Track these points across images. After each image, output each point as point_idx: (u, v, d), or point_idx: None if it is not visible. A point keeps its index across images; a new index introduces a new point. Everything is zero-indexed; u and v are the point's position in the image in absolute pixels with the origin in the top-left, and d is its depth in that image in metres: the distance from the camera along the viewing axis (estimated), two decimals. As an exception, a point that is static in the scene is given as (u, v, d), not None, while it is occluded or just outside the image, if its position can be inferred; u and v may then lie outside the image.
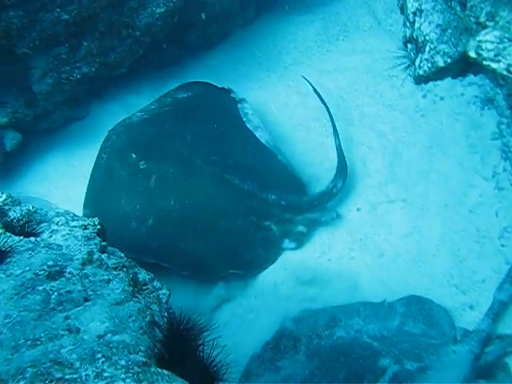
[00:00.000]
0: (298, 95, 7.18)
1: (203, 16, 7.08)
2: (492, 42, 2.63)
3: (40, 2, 5.69)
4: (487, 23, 2.71)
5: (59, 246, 3.16)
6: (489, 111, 6.18)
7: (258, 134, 6.23)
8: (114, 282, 3.00)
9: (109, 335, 2.50)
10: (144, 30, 6.48)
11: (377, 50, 7.35)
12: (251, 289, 5.58)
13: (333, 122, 6.31)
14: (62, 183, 6.57)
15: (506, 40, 2.56)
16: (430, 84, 6.72)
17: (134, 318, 2.76)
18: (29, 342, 2.34)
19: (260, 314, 5.34)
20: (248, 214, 5.76)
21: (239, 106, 6.47)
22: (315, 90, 6.57)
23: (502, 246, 5.35)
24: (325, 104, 6.50)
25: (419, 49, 3.52)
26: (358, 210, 6.04)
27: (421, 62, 3.53)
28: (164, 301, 3.42)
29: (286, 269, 5.73)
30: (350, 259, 5.69)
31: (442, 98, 6.63)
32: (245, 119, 6.35)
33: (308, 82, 6.79)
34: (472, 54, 2.74)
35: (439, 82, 6.69)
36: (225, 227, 5.68)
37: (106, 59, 6.52)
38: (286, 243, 5.80)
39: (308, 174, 6.28)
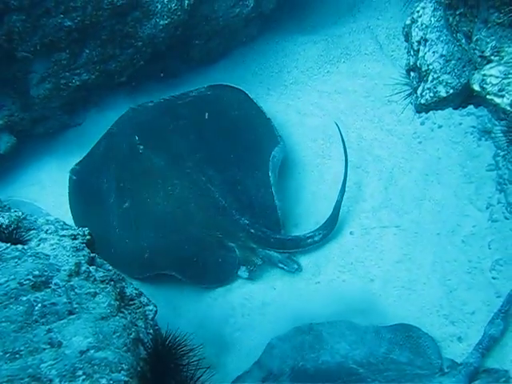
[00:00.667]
0: (296, 114, 7.18)
1: (207, 30, 7.07)
2: (497, 77, 2.62)
3: (44, 7, 5.69)
4: (492, 57, 2.71)
5: (47, 255, 3.10)
6: (485, 142, 6.20)
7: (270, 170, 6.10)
8: (101, 296, 2.94)
9: (91, 351, 2.44)
10: (146, 41, 6.46)
11: (377, 75, 7.37)
12: (239, 309, 5.56)
13: (345, 176, 6.07)
14: (54, 189, 6.53)
15: (510, 76, 2.56)
16: (429, 112, 6.71)
17: (118, 334, 2.70)
18: (7, 355, 2.27)
19: (246, 333, 5.30)
20: (216, 229, 5.75)
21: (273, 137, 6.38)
22: (342, 140, 6.34)
23: (493, 278, 5.32)
24: (346, 156, 6.20)
25: (422, 77, 3.51)
26: (350, 233, 6.02)
27: (423, 90, 3.52)
28: (150, 317, 3.37)
29: (275, 288, 5.72)
30: (340, 282, 5.66)
31: (440, 126, 6.63)
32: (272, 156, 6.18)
33: (339, 129, 6.50)
34: (476, 87, 2.73)
35: (440, 110, 6.71)
36: (190, 233, 5.72)
37: (106, 67, 6.51)
38: (242, 271, 5.74)
39: (299, 200, 6.29)
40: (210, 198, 5.81)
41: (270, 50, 8.09)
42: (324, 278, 5.72)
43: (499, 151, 5.83)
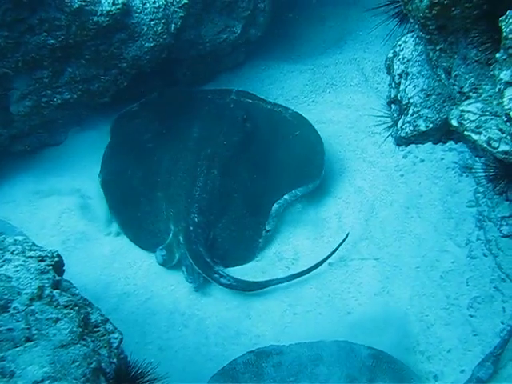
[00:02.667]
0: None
1: (193, 54, 7.07)
2: (474, 114, 2.60)
3: (27, 24, 5.62)
4: (470, 94, 2.69)
5: (9, 277, 2.99)
6: (466, 178, 6.18)
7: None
8: (63, 322, 2.83)
9: (46, 382, 2.33)
10: (131, 62, 6.42)
11: (362, 106, 7.37)
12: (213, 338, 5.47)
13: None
14: (28, 208, 6.40)
15: (487, 113, 2.53)
16: (412, 145, 6.73)
17: (78, 363, 2.59)
18: (-46, 385, 2.16)
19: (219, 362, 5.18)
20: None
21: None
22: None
23: (471, 316, 5.27)
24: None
25: (402, 111, 3.49)
26: (329, 264, 5.94)
27: (403, 124, 3.50)
28: (115, 345, 3.25)
29: (250, 318, 5.62)
30: (317, 314, 5.58)
31: (422, 160, 6.60)
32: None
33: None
34: (454, 123, 2.71)
35: (420, 144, 6.73)
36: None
37: (89, 87, 6.44)
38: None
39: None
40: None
41: (255, 77, 8.11)
42: (301, 309, 5.62)
43: (479, 188, 5.82)
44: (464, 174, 6.30)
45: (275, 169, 6.38)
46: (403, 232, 6.06)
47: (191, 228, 5.94)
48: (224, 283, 5.71)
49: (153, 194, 6.31)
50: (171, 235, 6.00)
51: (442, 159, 6.55)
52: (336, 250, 5.84)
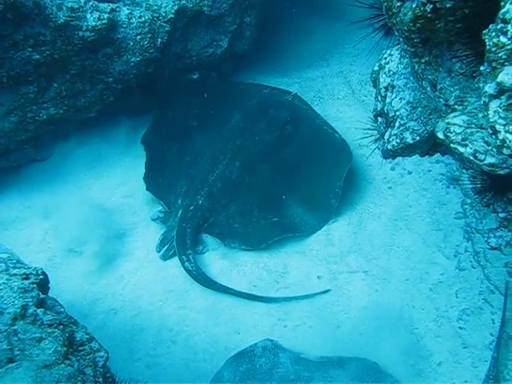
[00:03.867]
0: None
1: (179, 68, 7.06)
2: (460, 126, 2.60)
3: (12, 40, 5.59)
4: (456, 107, 2.69)
5: (-9, 297, 2.93)
6: (454, 190, 6.19)
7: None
8: (47, 341, 2.78)
9: (28, 404, 2.27)
10: (117, 77, 6.41)
11: (349, 119, 7.39)
12: (201, 354, 5.38)
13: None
14: (14, 225, 6.33)
15: (473, 126, 2.53)
16: (399, 157, 6.75)
17: (61, 384, 2.53)
18: None
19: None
20: None
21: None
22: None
23: (460, 328, 5.24)
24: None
25: (389, 123, 3.49)
26: (318, 277, 5.91)
27: (390, 136, 3.50)
28: (100, 364, 3.18)
29: (239, 333, 5.56)
30: (307, 328, 5.53)
31: (409, 173, 6.61)
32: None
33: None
34: (440, 136, 2.70)
35: (407, 157, 6.74)
36: None
37: (75, 102, 6.42)
38: None
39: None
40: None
41: (243, 91, 8.09)
42: (290, 323, 5.58)
43: (467, 199, 5.83)
44: (451, 186, 6.31)
45: (297, 178, 6.37)
46: (392, 244, 6.05)
47: (191, 208, 6.23)
48: (186, 267, 5.88)
49: (178, 169, 6.62)
50: (175, 208, 6.34)
51: (430, 171, 6.57)
52: (311, 295, 5.73)
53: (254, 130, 6.62)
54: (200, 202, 6.25)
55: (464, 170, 4.64)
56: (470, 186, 3.43)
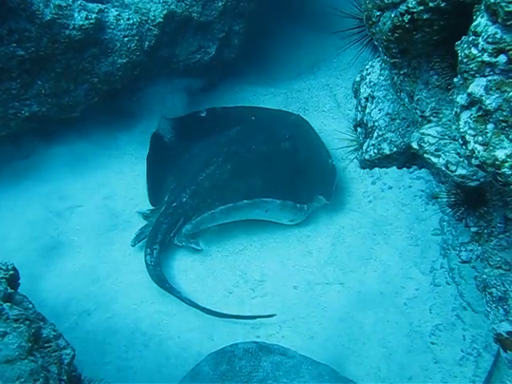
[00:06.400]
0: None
1: (166, 73, 7.06)
2: (434, 137, 2.63)
3: (-5, 34, 5.56)
4: (431, 118, 2.72)
5: (-43, 289, 2.89)
6: (433, 207, 6.24)
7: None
8: (11, 336, 2.74)
9: (-14, 398, 2.23)
10: (102, 78, 6.38)
11: (333, 132, 7.40)
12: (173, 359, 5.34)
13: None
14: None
15: (446, 137, 2.56)
16: (381, 172, 6.79)
17: (23, 379, 2.50)
18: None
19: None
20: None
21: None
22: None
23: (432, 343, 5.27)
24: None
25: (368, 134, 3.51)
26: (294, 287, 5.90)
27: (368, 146, 3.52)
28: (66, 362, 3.14)
29: (213, 340, 5.53)
30: (279, 338, 5.52)
31: (390, 187, 6.66)
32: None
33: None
34: (414, 145, 2.73)
35: (389, 171, 6.77)
36: None
37: (59, 101, 6.37)
38: None
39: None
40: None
41: (229, 99, 8.14)
42: (263, 332, 5.56)
43: (445, 216, 5.89)
44: (430, 203, 6.37)
45: (286, 190, 6.32)
46: (369, 258, 6.07)
47: (174, 204, 6.24)
48: (146, 260, 5.92)
49: (174, 170, 6.69)
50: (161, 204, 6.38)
51: (410, 187, 6.62)
52: (254, 317, 5.65)
53: (251, 141, 6.67)
54: (184, 200, 6.25)
55: (443, 188, 4.69)
56: (445, 199, 3.47)
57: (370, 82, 3.57)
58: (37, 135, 6.91)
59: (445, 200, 3.51)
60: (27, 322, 2.97)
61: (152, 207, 6.46)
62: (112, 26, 6.18)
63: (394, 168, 6.79)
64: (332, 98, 8.08)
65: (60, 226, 6.43)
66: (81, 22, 5.83)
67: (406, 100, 2.99)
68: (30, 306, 3.32)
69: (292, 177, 6.46)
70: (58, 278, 5.98)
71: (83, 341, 5.38)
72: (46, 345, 3.06)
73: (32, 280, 5.67)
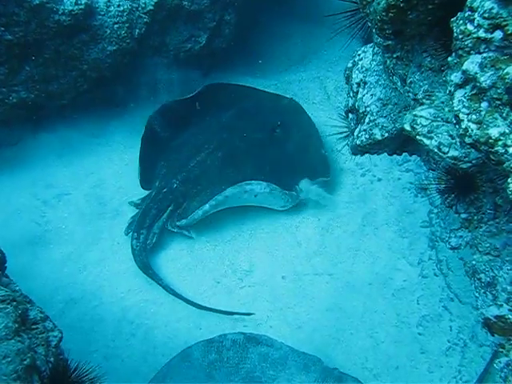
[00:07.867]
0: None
1: (156, 62, 7.01)
2: (427, 119, 2.63)
3: (-17, 18, 5.48)
4: (424, 101, 2.72)
5: None
6: (421, 199, 6.29)
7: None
8: (-3, 317, 2.71)
9: (-28, 376, 2.20)
10: (92, 65, 6.32)
11: (323, 124, 7.41)
12: (160, 348, 5.32)
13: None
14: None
15: (439, 119, 2.56)
16: (371, 164, 6.81)
17: (9, 359, 2.47)
18: None
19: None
20: None
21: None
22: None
23: (419, 334, 5.31)
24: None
25: (359, 119, 3.51)
26: (282, 278, 5.91)
27: (359, 132, 3.51)
28: (53, 344, 3.11)
29: (201, 329, 5.52)
30: (267, 328, 5.51)
31: (379, 180, 6.70)
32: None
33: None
34: (407, 127, 2.73)
35: (378, 163, 6.81)
36: None
37: (47, 88, 6.31)
38: None
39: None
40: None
41: (219, 90, 8.07)
42: (251, 322, 5.55)
43: (433, 209, 5.91)
44: (419, 195, 6.41)
45: (277, 178, 6.29)
46: (358, 249, 6.10)
47: (164, 190, 6.25)
48: (132, 245, 5.94)
49: (165, 155, 6.64)
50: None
51: (399, 179, 6.66)
52: (232, 313, 5.62)
53: (243, 128, 6.65)
54: (174, 186, 6.23)
55: (430, 176, 4.70)
56: (435, 186, 3.47)
57: (362, 68, 3.56)
58: (24, 123, 6.84)
59: (434, 187, 3.51)
60: (14, 302, 2.94)
61: (143, 192, 6.42)
62: (102, 12, 6.12)
63: (384, 160, 6.84)
64: (322, 90, 8.08)
65: (47, 214, 6.39)
66: (70, 7, 5.76)
67: (399, 84, 2.99)
68: (18, 288, 3.29)
69: (283, 163, 6.45)
70: (45, 266, 5.94)
71: (70, 329, 5.26)
72: (33, 326, 3.04)
73: (18, 268, 5.60)
